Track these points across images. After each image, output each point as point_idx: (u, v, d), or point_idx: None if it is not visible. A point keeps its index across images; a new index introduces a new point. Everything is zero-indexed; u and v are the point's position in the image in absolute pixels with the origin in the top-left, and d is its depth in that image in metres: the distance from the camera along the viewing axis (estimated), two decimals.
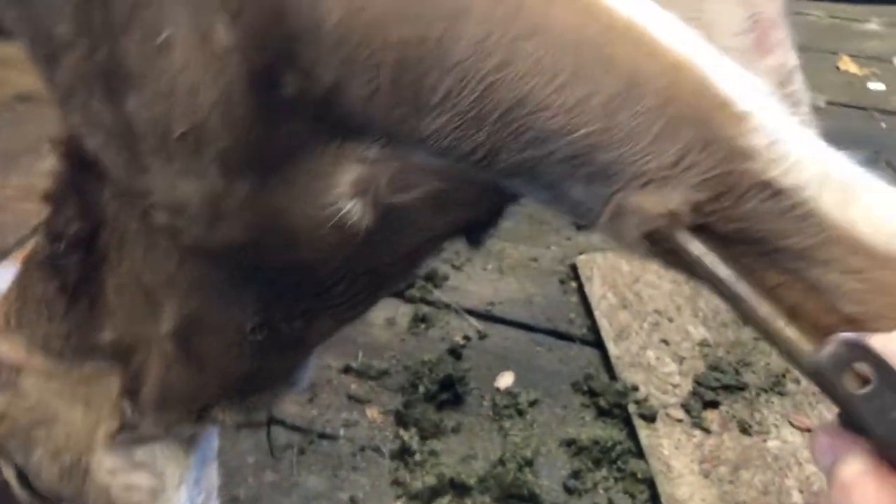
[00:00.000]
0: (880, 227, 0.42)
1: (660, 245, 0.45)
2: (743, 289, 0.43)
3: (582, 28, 0.44)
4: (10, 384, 0.94)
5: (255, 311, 0.72)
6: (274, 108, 0.52)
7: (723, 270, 0.44)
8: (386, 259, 0.68)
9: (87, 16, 0.53)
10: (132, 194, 0.62)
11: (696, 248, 0.44)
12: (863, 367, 0.37)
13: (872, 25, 3.18)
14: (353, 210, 0.56)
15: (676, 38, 0.45)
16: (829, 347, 0.39)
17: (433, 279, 1.75)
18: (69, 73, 0.56)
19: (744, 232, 0.44)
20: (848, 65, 2.81)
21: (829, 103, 2.53)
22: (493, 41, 0.43)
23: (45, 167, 0.82)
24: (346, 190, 0.55)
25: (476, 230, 0.67)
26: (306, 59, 0.47)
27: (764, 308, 0.43)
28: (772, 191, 0.43)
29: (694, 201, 0.43)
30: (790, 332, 0.42)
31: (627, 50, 0.44)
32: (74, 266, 0.81)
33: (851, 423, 0.38)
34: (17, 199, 1.72)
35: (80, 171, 0.74)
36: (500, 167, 0.47)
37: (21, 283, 0.91)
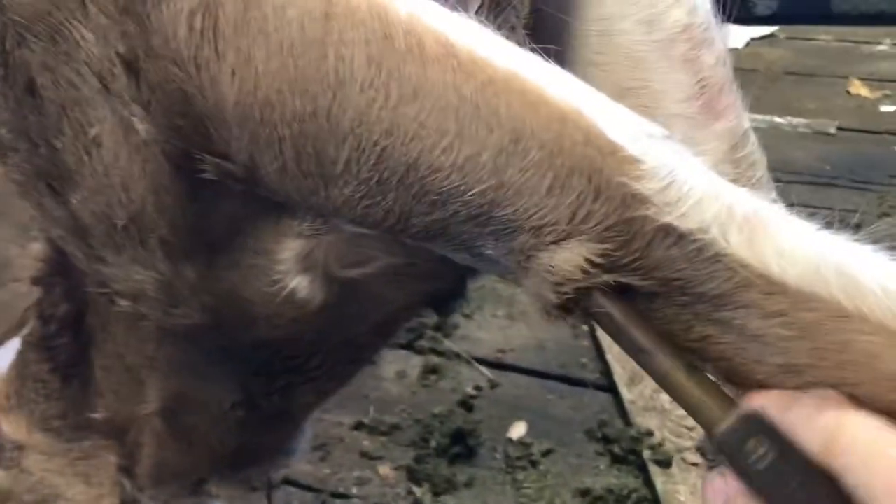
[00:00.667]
0: (795, 262, 0.40)
1: (578, 309, 0.43)
2: (659, 357, 0.42)
3: (460, 87, 0.43)
4: (15, 462, 0.96)
5: (233, 388, 0.73)
6: (203, 192, 0.53)
7: (639, 336, 0.42)
8: (357, 331, 0.69)
9: (22, 120, 0.55)
10: (95, 283, 0.63)
11: (613, 310, 0.42)
12: (760, 441, 0.37)
13: (884, 47, 3.15)
14: (301, 286, 0.56)
15: (562, 88, 0.44)
16: (729, 421, 0.38)
17: (443, 328, 1.74)
18: (18, 173, 0.58)
19: (661, 283, 0.42)
20: (859, 88, 2.78)
21: (840, 129, 2.50)
22: (376, 109, 0.44)
23: (33, 251, 0.84)
24: (290, 266, 0.56)
25: (441, 301, 0.67)
26: (219, 142, 0.48)
27: (678, 376, 0.41)
28: (674, 236, 0.41)
29: (599, 254, 0.42)
30: (704, 403, 0.40)
31: (509, 104, 0.43)
32: (65, 347, 0.83)
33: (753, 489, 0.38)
34: (33, 269, 1.75)
35: (63, 254, 0.75)
36: (415, 231, 0.47)
37: (19, 363, 0.93)
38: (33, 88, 0.53)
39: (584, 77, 0.59)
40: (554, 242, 0.42)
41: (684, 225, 0.41)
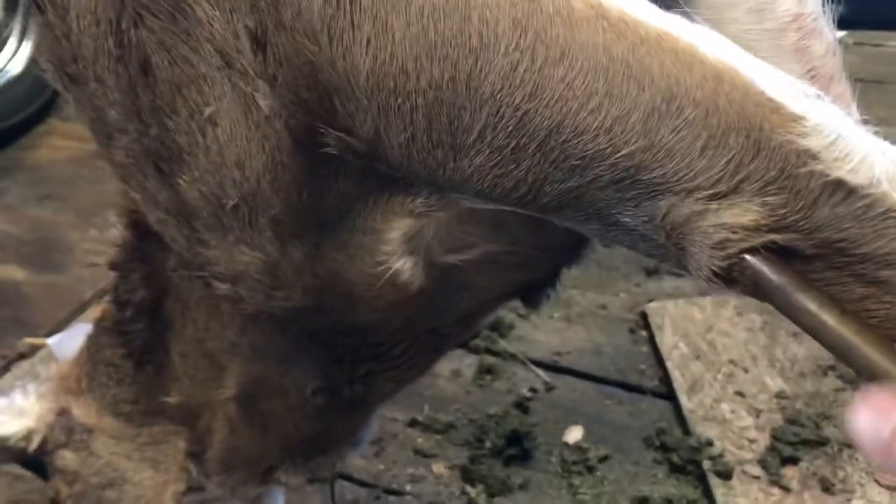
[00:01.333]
0: None
1: (737, 273, 0.42)
2: (826, 318, 0.41)
3: (611, 46, 0.43)
4: (83, 445, 0.97)
5: (316, 374, 0.73)
6: (320, 169, 0.53)
7: (802, 299, 0.41)
8: (444, 320, 0.68)
9: (133, 101, 0.55)
10: (193, 266, 0.63)
11: (772, 274, 0.41)
12: None
13: None
14: (405, 268, 0.56)
15: (716, 48, 0.43)
16: None
17: (499, 329, 1.73)
18: (124, 155, 0.59)
19: (822, 245, 0.41)
20: None
21: None
22: (520, 72, 0.43)
23: (111, 237, 0.85)
24: (396, 247, 0.55)
25: (532, 292, 0.66)
26: (344, 115, 0.48)
27: (847, 335, 0.40)
28: (843, 191, 0.40)
29: (762, 213, 0.41)
30: (877, 361, 0.39)
31: (662, 63, 0.42)
32: (140, 332, 0.84)
33: None
34: (94, 254, 1.78)
35: (144, 240, 0.76)
36: (545, 201, 0.46)
37: (91, 347, 0.94)
38: (148, 68, 0.53)
39: None
40: (711, 203, 0.41)
41: (854, 180, 0.40)
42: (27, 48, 2.14)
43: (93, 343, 0.94)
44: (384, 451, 1.49)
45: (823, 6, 0.59)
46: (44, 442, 0.96)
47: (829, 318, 0.41)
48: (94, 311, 1.04)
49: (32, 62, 2.11)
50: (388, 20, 0.44)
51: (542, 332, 1.75)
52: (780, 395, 1.53)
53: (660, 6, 0.55)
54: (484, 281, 0.61)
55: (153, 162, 0.57)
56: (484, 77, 0.43)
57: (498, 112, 0.44)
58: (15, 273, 1.79)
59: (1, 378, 1.58)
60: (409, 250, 0.55)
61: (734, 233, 0.41)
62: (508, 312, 1.76)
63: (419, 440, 1.51)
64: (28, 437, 0.96)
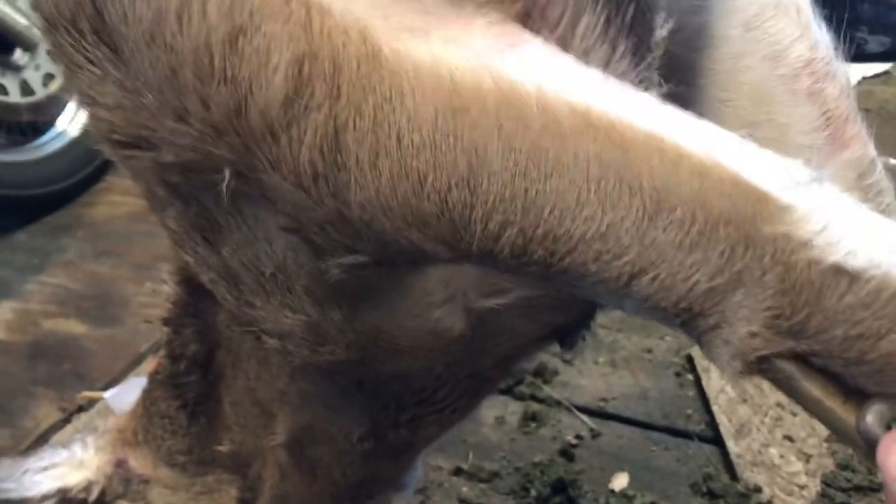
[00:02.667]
0: None
1: (759, 370, 0.43)
2: (832, 406, 0.41)
3: (601, 154, 0.44)
4: (140, 495, 1.00)
5: (363, 420, 0.75)
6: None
7: (808, 387, 0.42)
8: (483, 364, 0.70)
9: (171, 182, 0.58)
10: (243, 322, 0.66)
11: (786, 369, 0.42)
12: None
13: None
14: (445, 315, 0.58)
15: (701, 141, 0.44)
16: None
17: (543, 374, 1.74)
18: (174, 224, 0.62)
19: (840, 344, 0.40)
20: None
21: None
22: (514, 191, 0.44)
23: (164, 293, 0.88)
24: (435, 296, 0.57)
25: (568, 334, 0.68)
26: (344, 239, 0.50)
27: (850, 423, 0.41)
28: (846, 278, 0.39)
29: (768, 316, 0.41)
30: None
31: (650, 165, 0.43)
32: (193, 384, 0.87)
33: None
34: (150, 307, 1.83)
35: (195, 296, 0.80)
36: (557, 283, 0.47)
37: (146, 400, 0.97)
38: None
39: (712, 114, 0.60)
40: (716, 306, 0.42)
41: (854, 263, 0.40)
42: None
43: (148, 396, 0.97)
44: (429, 499, 1.49)
45: (838, 47, 0.61)
46: (102, 493, 0.99)
47: (833, 405, 0.41)
48: (149, 365, 1.08)
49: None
50: (377, 162, 0.46)
51: (586, 377, 1.75)
52: (829, 440, 1.51)
53: (678, 63, 0.58)
54: (520, 324, 0.63)
55: (199, 232, 0.61)
56: (476, 199, 0.45)
57: (492, 230, 0.45)
58: (75, 327, 1.85)
59: (61, 430, 1.63)
60: (447, 297, 0.57)
61: (748, 341, 0.41)
62: (552, 358, 1.77)
63: (464, 489, 1.51)
64: (87, 488, 0.99)
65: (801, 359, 0.42)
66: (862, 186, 0.63)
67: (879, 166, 0.63)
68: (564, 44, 0.49)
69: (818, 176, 0.43)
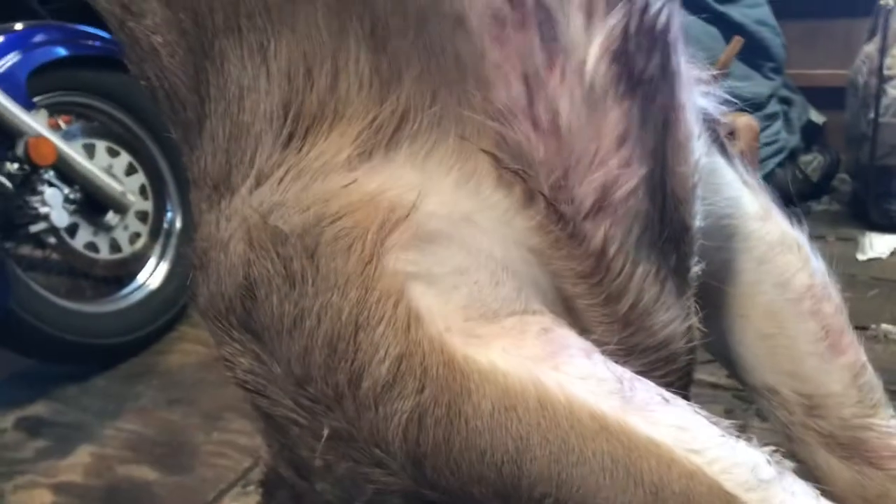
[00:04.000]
0: None
1: None
2: None
3: (613, 453, 0.57)
4: None
5: None
6: None
7: None
8: None
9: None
10: None
11: None
12: None
13: None
14: None
15: (688, 444, 0.58)
16: None
17: None
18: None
19: None
20: None
21: None
22: (546, 472, 0.58)
23: (263, 457, 0.97)
24: None
25: None
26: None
27: None
28: None
29: None
30: None
31: (650, 463, 0.57)
32: None
33: None
34: (217, 455, 1.89)
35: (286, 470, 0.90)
36: None
37: None
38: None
39: (733, 328, 0.77)
40: None
41: None
42: (164, 266, 2.46)
43: None
44: None
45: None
46: None
47: None
48: None
49: (168, 278, 2.43)
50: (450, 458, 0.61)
51: None
52: None
53: (708, 290, 0.74)
54: None
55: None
56: (522, 476, 0.58)
57: (535, 497, 0.59)
58: (147, 474, 1.91)
59: None
60: None
61: None
62: None
63: None
64: None
65: None
66: (857, 385, 0.79)
67: (870, 368, 0.80)
68: (621, 291, 0.66)
69: (780, 472, 0.58)
